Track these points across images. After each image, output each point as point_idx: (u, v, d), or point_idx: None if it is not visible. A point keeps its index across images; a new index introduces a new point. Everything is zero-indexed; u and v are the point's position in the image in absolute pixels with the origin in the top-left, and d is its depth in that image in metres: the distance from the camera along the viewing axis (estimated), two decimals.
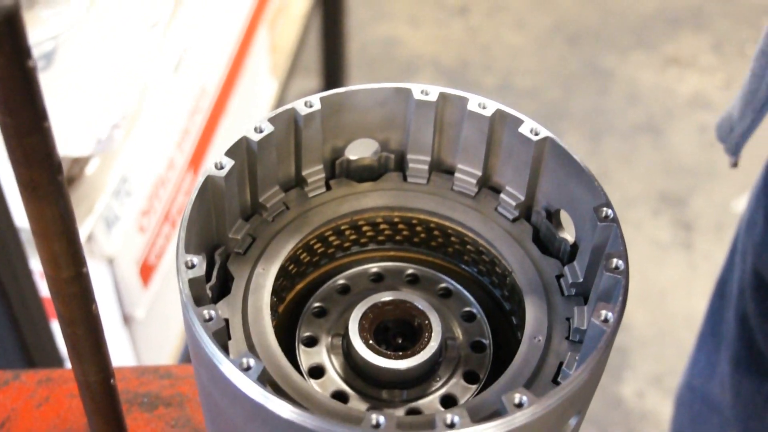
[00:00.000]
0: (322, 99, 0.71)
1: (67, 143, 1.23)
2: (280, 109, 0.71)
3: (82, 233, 1.29)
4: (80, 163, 1.32)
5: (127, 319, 1.47)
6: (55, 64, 1.33)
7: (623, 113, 2.73)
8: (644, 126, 2.70)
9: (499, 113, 0.70)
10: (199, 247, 0.67)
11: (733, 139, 0.81)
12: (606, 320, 0.60)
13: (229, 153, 0.68)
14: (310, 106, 0.71)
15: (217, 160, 0.68)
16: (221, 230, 0.70)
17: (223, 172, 0.67)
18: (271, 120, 0.70)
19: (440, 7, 3.00)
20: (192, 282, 0.63)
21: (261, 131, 0.70)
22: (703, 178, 2.51)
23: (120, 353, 1.49)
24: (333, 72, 2.68)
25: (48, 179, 0.56)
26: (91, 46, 1.35)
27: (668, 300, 2.34)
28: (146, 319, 1.49)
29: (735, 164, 0.81)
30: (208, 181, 0.67)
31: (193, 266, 0.63)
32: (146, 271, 1.47)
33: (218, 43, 1.64)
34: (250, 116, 1.92)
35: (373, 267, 0.77)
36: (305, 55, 2.45)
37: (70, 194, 1.26)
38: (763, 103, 0.82)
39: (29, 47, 0.51)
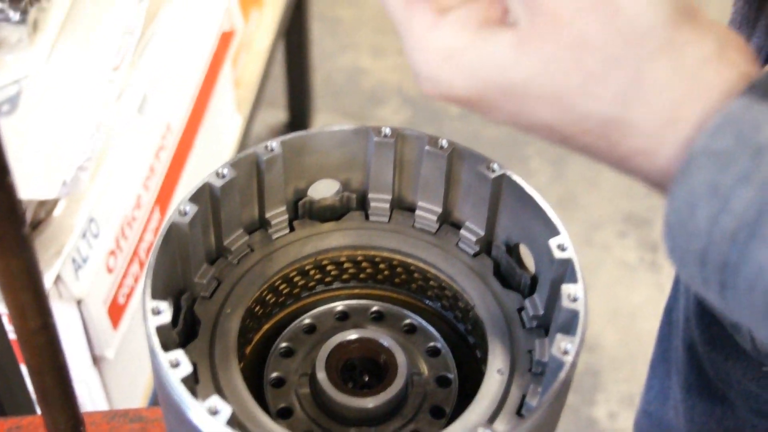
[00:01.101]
0: (282, 143, 0.73)
1: (33, 186, 1.23)
2: (242, 154, 0.72)
3: (50, 276, 1.29)
4: (47, 205, 1.32)
5: (96, 360, 1.47)
6: (19, 108, 1.34)
7: None
8: None
9: (455, 151, 0.72)
10: (164, 292, 0.68)
11: None
12: (566, 352, 0.62)
13: (193, 199, 0.69)
14: (271, 150, 0.72)
15: (181, 206, 0.69)
16: (186, 275, 0.71)
17: (186, 219, 0.68)
18: (234, 165, 0.71)
19: None
20: (159, 329, 0.64)
21: (223, 176, 0.71)
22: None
23: (91, 394, 1.49)
24: (298, 104, 2.70)
25: (12, 233, 0.57)
26: (55, 89, 1.36)
27: (638, 320, 2.37)
28: (116, 359, 1.49)
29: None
30: (172, 228, 0.68)
31: (159, 312, 0.64)
32: (115, 312, 1.47)
33: (182, 82, 1.65)
34: (216, 152, 1.93)
35: (339, 305, 0.78)
36: (270, 87, 2.46)
37: (37, 237, 1.25)
38: None
39: None
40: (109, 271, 1.45)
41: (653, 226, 2.49)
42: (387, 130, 0.73)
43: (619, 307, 2.39)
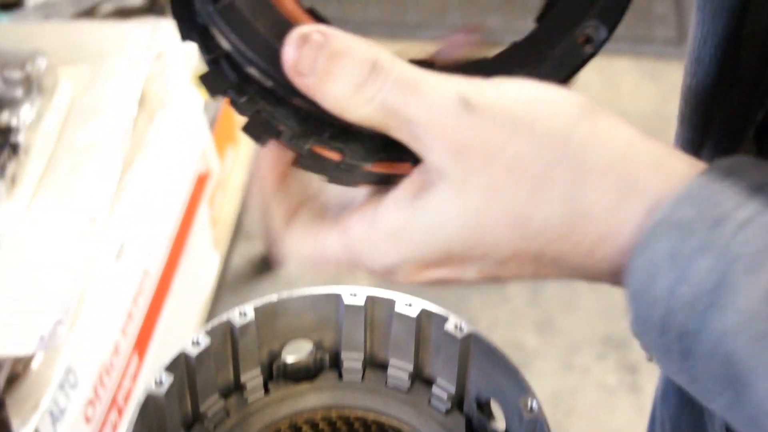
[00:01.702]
0: (256, 309, 0.74)
1: (10, 343, 1.24)
2: (216, 321, 0.74)
3: (28, 431, 1.28)
4: (24, 359, 1.32)
5: None
6: None
7: None
8: None
9: (424, 312, 0.74)
10: None
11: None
12: None
13: (169, 368, 0.70)
14: (245, 316, 0.74)
15: (156, 376, 0.70)
16: None
17: (162, 389, 0.69)
18: (209, 332, 0.73)
19: None
20: None
21: (198, 344, 0.72)
22: None
23: None
24: None
25: None
26: (33, 242, 1.38)
27: None
28: None
29: (650, 359, 0.85)
30: (149, 398, 0.69)
31: None
32: None
33: (159, 226, 1.68)
34: (194, 292, 1.94)
35: None
36: (246, 221, 2.49)
37: (14, 392, 1.25)
38: None
39: None
40: (87, 420, 1.45)
41: (632, 348, 2.50)
42: (357, 292, 0.75)
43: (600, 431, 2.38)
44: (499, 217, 0.53)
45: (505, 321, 2.65)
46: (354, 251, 0.57)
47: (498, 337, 2.77)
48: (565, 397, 2.48)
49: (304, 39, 0.53)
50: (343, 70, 0.53)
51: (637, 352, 2.48)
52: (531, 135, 0.53)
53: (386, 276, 0.57)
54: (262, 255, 2.79)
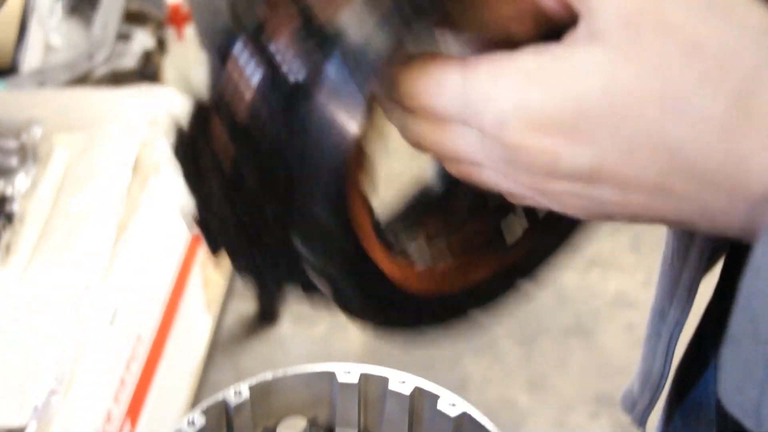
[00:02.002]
0: (251, 388, 0.75)
1: (3, 413, 1.24)
2: (211, 400, 0.74)
3: None
4: (17, 430, 1.32)
5: None
6: None
7: (553, 316, 2.81)
8: (574, 328, 2.77)
9: (417, 390, 0.75)
10: None
11: (637, 413, 0.86)
12: None
13: None
14: (240, 395, 0.75)
15: None
16: None
17: None
18: (204, 411, 0.73)
19: None
20: None
21: (193, 424, 0.73)
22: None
23: None
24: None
25: None
26: (27, 311, 1.39)
27: None
28: None
29: (640, 424, 0.86)
30: None
31: None
32: None
33: (152, 291, 1.69)
34: (186, 355, 1.94)
35: None
36: (238, 280, 2.50)
37: None
38: (656, 384, 0.86)
39: None
40: None
41: (629, 374, 2.50)
42: (351, 369, 0.76)
43: None
44: (652, 94, 0.46)
45: (498, 379, 2.65)
46: (472, 91, 0.49)
47: (490, 396, 2.79)
48: None
49: None
50: None
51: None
52: (723, 22, 0.46)
53: (496, 130, 0.48)
54: (253, 313, 2.79)
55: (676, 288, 0.81)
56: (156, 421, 1.68)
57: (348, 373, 0.76)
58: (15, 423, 1.24)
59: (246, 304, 2.78)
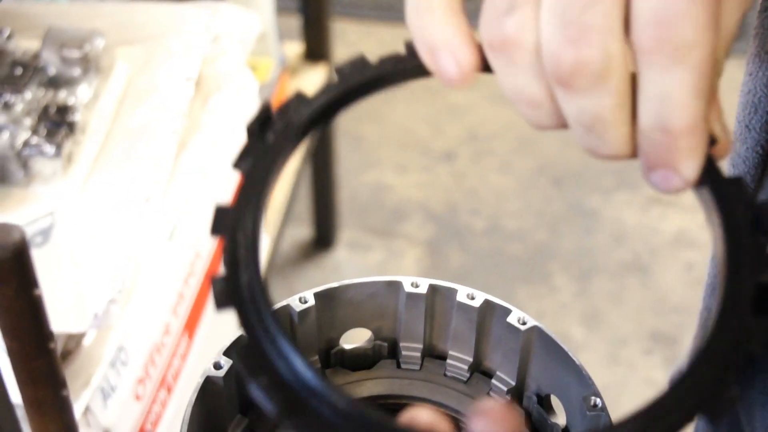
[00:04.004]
0: (315, 295, 0.74)
1: (64, 320, 1.25)
2: (277, 306, 0.73)
3: (79, 407, 1.29)
4: (77, 336, 1.33)
5: None
6: (51, 240, 1.36)
7: (610, 253, 2.77)
8: (631, 265, 2.74)
9: (486, 303, 0.73)
10: None
11: None
12: None
13: (227, 352, 0.70)
14: (305, 302, 0.74)
15: (216, 360, 0.69)
16: (220, 427, 0.72)
17: (221, 372, 0.69)
18: None
19: (426, 154, 3.07)
20: None
21: None
22: (693, 316, 2.53)
23: None
24: (324, 220, 2.73)
25: (53, 397, 0.58)
26: (87, 222, 1.39)
27: None
28: None
29: None
30: (207, 382, 0.69)
31: None
32: None
33: (212, 207, 1.68)
34: None
35: None
36: (296, 206, 2.50)
37: (66, 368, 1.26)
38: None
39: (36, 277, 0.53)
40: (138, 398, 1.46)
41: (679, 344, 2.47)
42: (419, 282, 0.74)
43: None
44: None
45: (552, 312, 2.63)
46: None
47: None
48: (611, 391, 2.45)
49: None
50: None
51: (685, 348, 2.44)
52: None
53: None
54: (309, 240, 2.80)
55: None
56: (213, 336, 1.69)
57: (416, 285, 0.74)
58: (75, 329, 1.25)
59: (303, 229, 2.78)
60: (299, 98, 0.56)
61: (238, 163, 0.55)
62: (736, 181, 0.51)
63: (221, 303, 0.50)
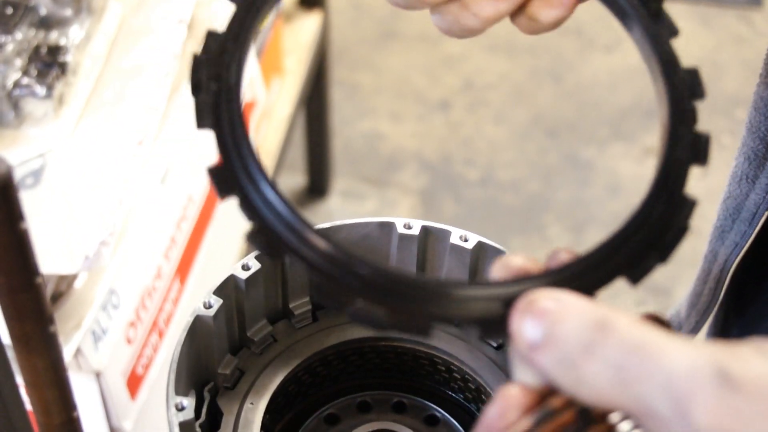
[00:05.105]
0: None
1: (54, 261, 1.24)
2: None
3: (70, 349, 1.29)
4: (68, 278, 1.32)
5: None
6: (42, 182, 1.35)
7: (604, 204, 2.77)
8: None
9: (480, 245, 0.72)
10: (188, 385, 0.68)
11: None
12: None
13: (217, 291, 0.70)
14: None
15: (205, 299, 0.69)
16: (210, 366, 0.71)
17: (211, 312, 0.68)
18: (259, 257, 0.72)
19: (421, 103, 3.05)
20: (182, 424, 0.64)
21: (248, 269, 0.71)
22: (686, 267, 2.54)
23: None
24: (318, 168, 2.72)
25: (40, 332, 0.57)
26: (79, 164, 1.37)
27: None
28: (134, 430, 1.49)
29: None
30: (197, 321, 0.68)
31: (183, 408, 0.64)
32: (133, 383, 1.47)
33: (204, 152, 1.67)
34: (236, 219, 1.94)
35: (361, 396, 0.78)
36: (290, 153, 2.49)
37: (57, 310, 1.25)
38: (704, 309, 0.84)
39: (22, 211, 0.52)
40: (129, 342, 1.45)
41: (672, 296, 2.48)
42: (411, 223, 0.73)
43: None
44: None
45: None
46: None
47: None
48: None
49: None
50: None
51: (677, 299, 2.45)
52: None
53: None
54: (303, 188, 2.79)
55: (741, 209, 0.79)
56: (205, 281, 1.68)
57: (408, 225, 0.73)
58: (66, 270, 1.24)
59: (296, 177, 2.77)
60: None
61: None
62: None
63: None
